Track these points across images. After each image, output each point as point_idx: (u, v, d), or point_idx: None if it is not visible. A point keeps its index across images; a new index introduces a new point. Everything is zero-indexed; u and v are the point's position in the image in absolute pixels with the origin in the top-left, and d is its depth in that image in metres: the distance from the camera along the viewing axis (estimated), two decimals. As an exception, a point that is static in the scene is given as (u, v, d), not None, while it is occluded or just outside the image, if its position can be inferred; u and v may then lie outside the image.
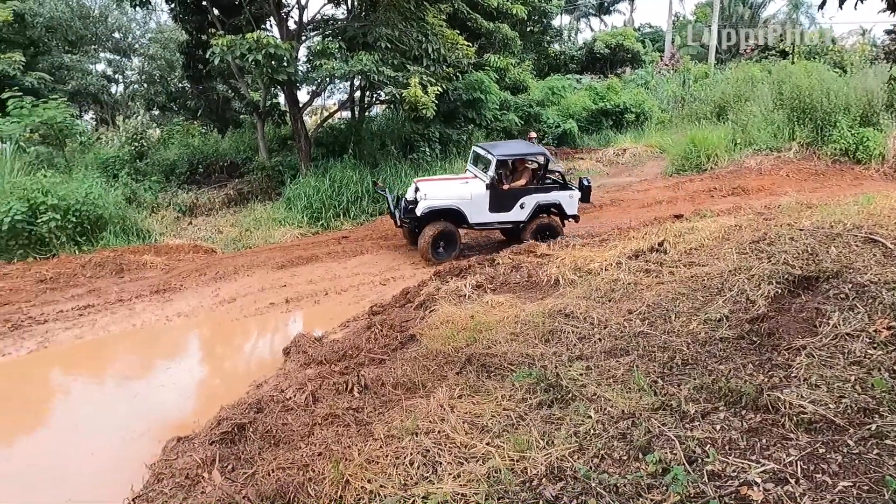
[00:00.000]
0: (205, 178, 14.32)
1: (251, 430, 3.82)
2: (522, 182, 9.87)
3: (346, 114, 17.47)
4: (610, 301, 5.39)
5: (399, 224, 9.70)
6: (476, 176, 9.80)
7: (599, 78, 25.34)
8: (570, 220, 9.96)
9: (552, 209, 9.85)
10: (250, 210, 12.49)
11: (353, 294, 8.10)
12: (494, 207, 9.50)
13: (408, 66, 12.38)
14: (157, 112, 22.21)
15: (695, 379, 3.58)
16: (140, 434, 4.80)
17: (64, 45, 20.15)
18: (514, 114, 16.87)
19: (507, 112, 16.80)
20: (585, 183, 10.09)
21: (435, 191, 9.35)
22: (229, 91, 17.08)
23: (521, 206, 9.64)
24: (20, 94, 12.62)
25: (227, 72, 14.54)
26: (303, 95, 14.77)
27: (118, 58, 23.36)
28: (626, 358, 4.12)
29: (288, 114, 14.69)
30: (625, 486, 2.61)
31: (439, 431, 3.49)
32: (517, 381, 4.03)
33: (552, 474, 2.89)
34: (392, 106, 16.24)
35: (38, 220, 9.27)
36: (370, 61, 11.51)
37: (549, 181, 10.05)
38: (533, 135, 15.05)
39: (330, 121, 16.50)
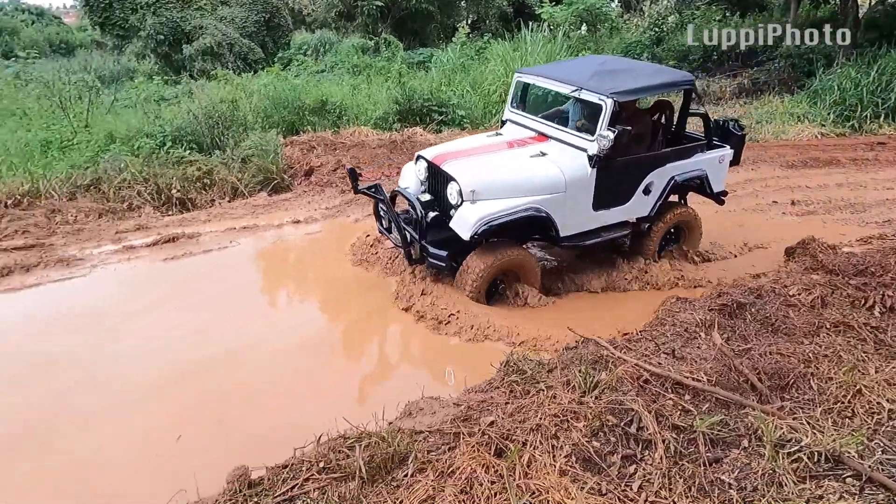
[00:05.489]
0: (717, 66, 13.84)
1: (749, 311, 3.87)
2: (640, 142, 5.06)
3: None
4: None
5: (413, 259, 4.93)
6: (548, 137, 4.98)
7: None
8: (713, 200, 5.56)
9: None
10: (764, 101, 11.55)
11: (877, 212, 6.78)
12: (602, 200, 4.82)
13: None
14: (677, -3, 22.12)
15: None
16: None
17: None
18: None
19: None
20: (737, 131, 5.49)
21: (486, 179, 4.56)
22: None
23: (646, 192, 5.04)
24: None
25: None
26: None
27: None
28: None
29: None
30: None
31: None
32: None
33: None
34: None
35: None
36: None
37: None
38: None
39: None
